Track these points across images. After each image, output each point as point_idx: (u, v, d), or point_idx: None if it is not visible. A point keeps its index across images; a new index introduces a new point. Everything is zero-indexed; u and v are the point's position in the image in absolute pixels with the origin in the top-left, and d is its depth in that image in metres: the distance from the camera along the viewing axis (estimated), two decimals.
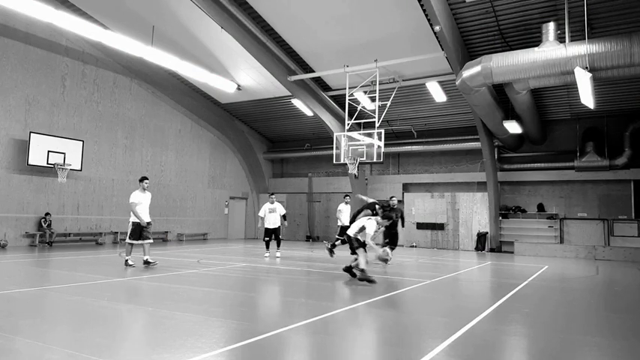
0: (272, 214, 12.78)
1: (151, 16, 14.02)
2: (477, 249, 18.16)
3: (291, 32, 14.37)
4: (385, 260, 8.47)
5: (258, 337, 4.31)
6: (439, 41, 12.70)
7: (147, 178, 9.86)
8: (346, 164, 13.82)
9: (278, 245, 12.95)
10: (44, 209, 14.39)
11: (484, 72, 11.29)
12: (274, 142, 23.97)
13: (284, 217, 13.08)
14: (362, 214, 9.78)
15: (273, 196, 13.22)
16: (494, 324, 5.30)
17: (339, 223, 12.71)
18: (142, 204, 9.61)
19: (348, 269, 8.61)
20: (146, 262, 9.49)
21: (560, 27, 11.00)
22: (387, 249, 9.15)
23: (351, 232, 8.41)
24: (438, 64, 14.43)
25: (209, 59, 16.04)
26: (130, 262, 9.56)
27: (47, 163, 14.03)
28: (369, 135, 13.86)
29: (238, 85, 17.60)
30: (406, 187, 20.41)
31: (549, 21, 11.14)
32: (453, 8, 11.94)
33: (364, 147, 13.76)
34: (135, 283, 7.41)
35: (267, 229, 12.74)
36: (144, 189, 9.75)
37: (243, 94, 18.52)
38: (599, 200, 17.18)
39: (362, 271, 8.04)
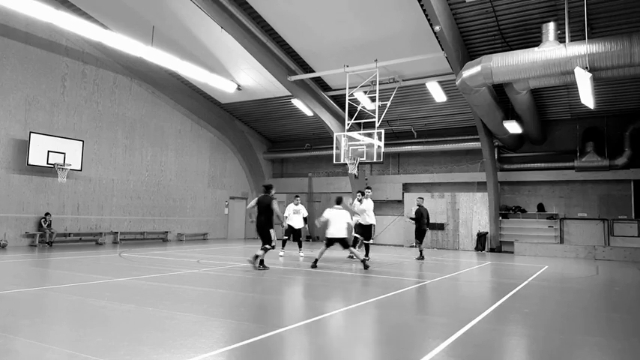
0: (296, 216, 13.16)
1: (151, 16, 14.02)
2: (476, 249, 18.15)
3: (291, 32, 14.37)
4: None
5: (258, 337, 4.31)
6: (439, 41, 12.70)
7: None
8: (346, 164, 13.81)
9: (300, 246, 13.22)
10: (44, 209, 14.39)
11: (484, 72, 11.28)
12: (274, 142, 23.97)
13: (305, 219, 13.47)
14: None
15: (298, 198, 13.60)
16: (494, 324, 5.30)
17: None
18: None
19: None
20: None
21: (560, 27, 11.00)
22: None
23: None
24: (438, 64, 14.43)
25: (209, 59, 16.03)
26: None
27: (47, 163, 14.03)
28: (369, 135, 13.85)
29: (238, 85, 17.60)
30: (406, 187, 20.41)
31: (549, 21, 11.13)
32: (453, 8, 11.94)
33: (364, 147, 13.75)
34: (135, 283, 7.41)
35: (290, 228, 13.04)
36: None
37: (243, 94, 18.52)
38: (599, 200, 17.18)
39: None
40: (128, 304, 5.69)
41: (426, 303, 6.89)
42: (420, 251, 13.26)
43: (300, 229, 13.21)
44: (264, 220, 9.48)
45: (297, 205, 13.29)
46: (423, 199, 13.98)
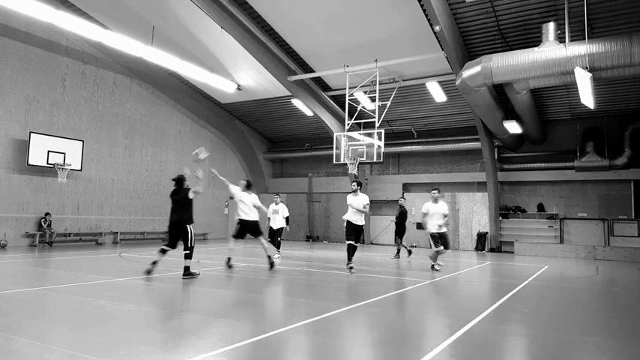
0: (275, 215, 12.12)
1: (151, 16, 14.02)
2: (476, 249, 18.15)
3: (291, 32, 14.37)
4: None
5: (258, 337, 4.31)
6: (439, 41, 12.70)
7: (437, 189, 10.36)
8: (346, 164, 13.82)
9: (278, 247, 11.98)
10: (44, 209, 14.38)
11: (484, 72, 11.28)
12: (274, 142, 23.97)
13: (287, 219, 12.37)
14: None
15: (277, 197, 12.50)
16: (494, 324, 5.30)
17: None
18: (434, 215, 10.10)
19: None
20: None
21: (560, 27, 11.00)
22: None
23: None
24: (438, 64, 14.42)
25: (209, 59, 16.04)
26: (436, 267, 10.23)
27: (47, 163, 14.03)
28: (369, 135, 13.86)
29: (238, 85, 17.60)
30: (406, 187, 20.41)
31: (549, 21, 11.13)
32: (453, 8, 11.94)
33: (364, 147, 13.76)
34: (135, 283, 7.41)
35: (270, 229, 12.16)
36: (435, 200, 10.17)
37: (243, 94, 18.52)
38: (599, 200, 17.18)
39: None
40: (128, 304, 5.69)
41: (426, 303, 6.89)
42: (404, 248, 13.65)
43: (279, 229, 12.09)
44: (178, 217, 8.07)
45: (277, 204, 12.18)
46: (405, 199, 14.85)
